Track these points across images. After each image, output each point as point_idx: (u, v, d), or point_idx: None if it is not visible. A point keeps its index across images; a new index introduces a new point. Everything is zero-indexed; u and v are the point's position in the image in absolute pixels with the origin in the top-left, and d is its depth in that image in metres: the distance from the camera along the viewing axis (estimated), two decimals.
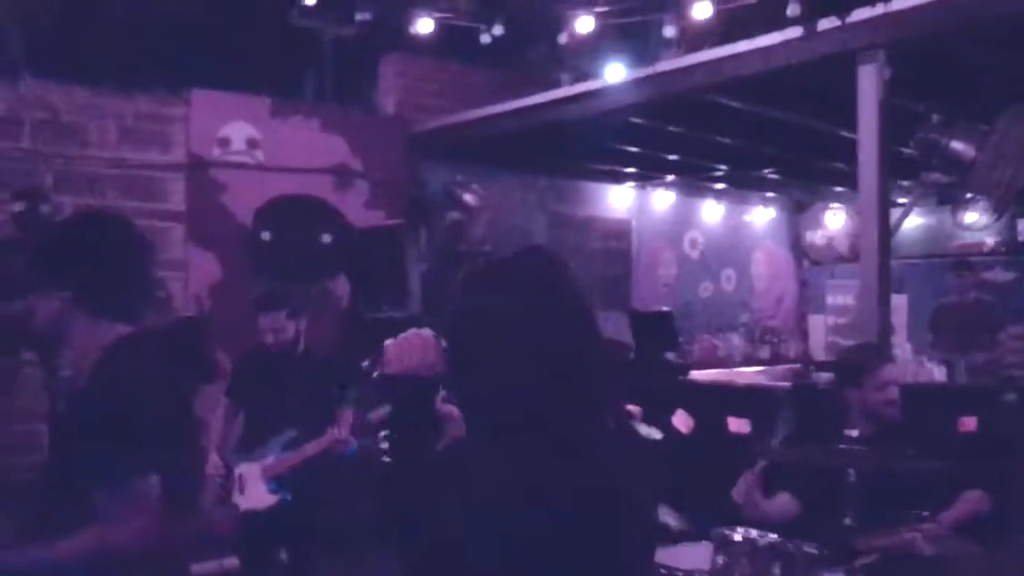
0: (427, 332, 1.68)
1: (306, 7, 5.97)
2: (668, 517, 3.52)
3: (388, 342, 1.66)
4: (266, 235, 6.46)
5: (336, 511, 4.06)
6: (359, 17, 6.03)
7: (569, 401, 1.56)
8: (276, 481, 3.94)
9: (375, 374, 1.65)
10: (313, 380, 4.05)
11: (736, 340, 9.50)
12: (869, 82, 4.45)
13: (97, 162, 5.94)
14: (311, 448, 3.94)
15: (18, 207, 5.56)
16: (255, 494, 3.93)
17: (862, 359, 3.57)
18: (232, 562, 4.13)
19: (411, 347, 1.66)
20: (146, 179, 6.11)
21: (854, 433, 2.90)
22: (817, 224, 10.25)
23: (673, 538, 3.48)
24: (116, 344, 2.08)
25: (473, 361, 1.60)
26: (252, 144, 6.51)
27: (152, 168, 6.13)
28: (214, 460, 4.05)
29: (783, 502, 3.44)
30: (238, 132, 6.45)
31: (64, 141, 5.83)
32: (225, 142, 6.42)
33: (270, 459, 3.98)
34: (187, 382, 2.27)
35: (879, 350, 3.72)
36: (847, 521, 2.80)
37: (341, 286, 6.69)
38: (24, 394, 5.19)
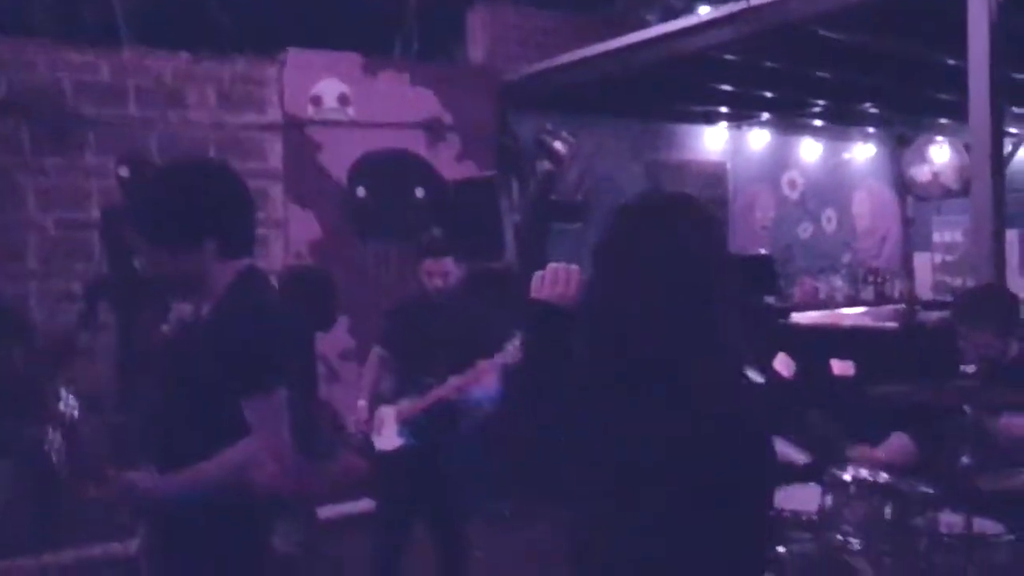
0: (574, 267, 1.73)
1: None
2: (792, 453, 3.47)
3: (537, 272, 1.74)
4: (361, 192, 6.55)
5: (454, 457, 4.13)
6: None
7: (698, 349, 1.58)
8: (405, 424, 4.08)
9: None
10: (461, 331, 4.11)
11: (838, 282, 9.26)
12: (979, 3, 4.22)
13: (197, 126, 6.09)
14: (437, 393, 4.05)
15: (124, 172, 5.76)
16: (387, 436, 4.10)
17: (982, 302, 3.42)
18: (366, 504, 4.29)
19: (555, 277, 1.72)
20: (244, 140, 6.25)
21: (970, 369, 2.80)
22: (922, 159, 9.83)
23: (800, 475, 3.43)
24: (245, 273, 2.23)
25: (610, 294, 1.63)
26: (344, 101, 6.57)
27: (250, 129, 6.26)
28: (360, 408, 4.20)
29: (899, 444, 3.36)
30: (330, 90, 6.52)
31: (165, 106, 5.99)
32: (318, 100, 6.50)
33: (404, 403, 4.12)
34: (308, 323, 2.35)
35: (999, 292, 3.54)
36: (964, 461, 2.71)
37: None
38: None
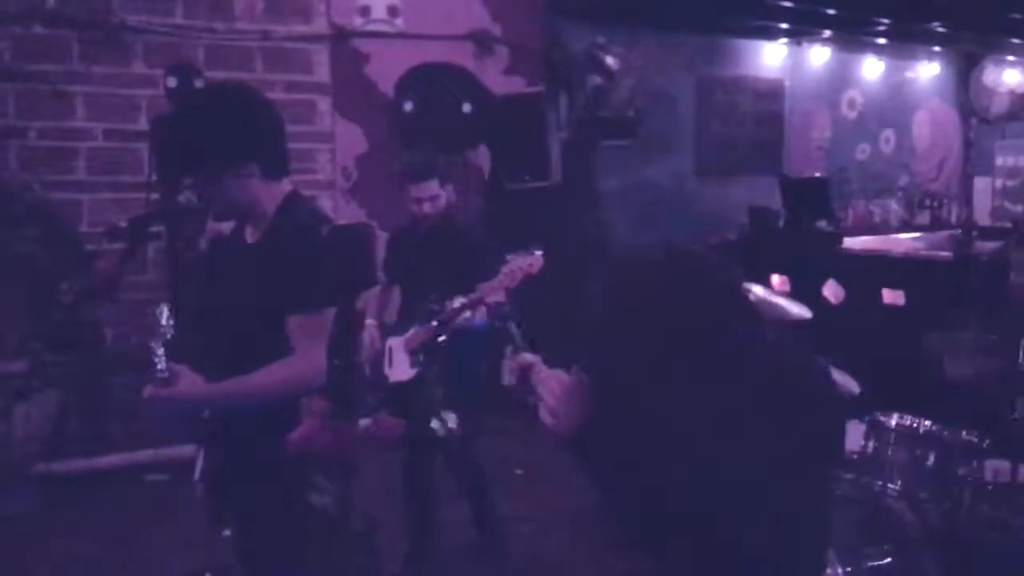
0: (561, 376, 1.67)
1: None
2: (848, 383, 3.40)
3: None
4: (408, 106, 6.45)
5: (462, 383, 4.09)
6: None
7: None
8: (417, 352, 3.99)
9: None
10: (459, 253, 3.99)
11: (893, 205, 9.04)
12: None
13: (244, 35, 6.01)
14: (442, 316, 3.93)
15: (171, 82, 5.73)
16: (400, 367, 4.02)
17: None
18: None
19: (542, 384, 1.68)
20: (291, 51, 6.16)
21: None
22: (990, 79, 9.47)
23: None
24: (291, 196, 2.32)
25: (607, 346, 1.62)
26: (392, 12, 6.44)
27: (296, 40, 6.17)
28: (371, 329, 4.11)
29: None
30: (378, 0, 6.38)
31: (212, 15, 5.92)
32: (366, 11, 6.38)
33: (411, 332, 4.02)
34: (351, 281, 2.40)
35: None
36: (1017, 413, 2.66)
37: (481, 157, 6.66)
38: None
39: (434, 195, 3.98)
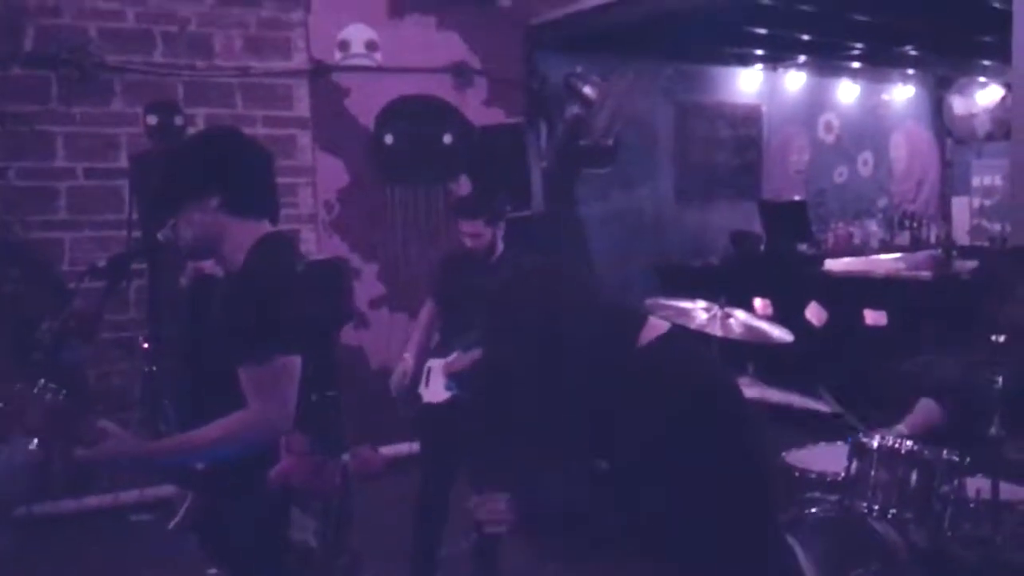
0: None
1: None
2: (815, 403, 3.43)
3: None
4: (388, 138, 6.49)
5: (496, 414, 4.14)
6: None
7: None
8: (454, 378, 4.08)
9: None
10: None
11: (873, 226, 9.12)
12: None
13: (224, 72, 6.05)
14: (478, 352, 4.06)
15: (151, 120, 5.76)
16: (435, 388, 4.12)
17: (1005, 271, 3.33)
18: (415, 447, 4.34)
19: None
20: (271, 87, 6.20)
21: (1000, 339, 2.74)
22: (963, 100, 9.60)
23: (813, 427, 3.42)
24: (265, 238, 2.30)
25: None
26: (371, 46, 6.49)
27: (276, 75, 6.21)
28: (405, 363, 4.22)
29: (926, 409, 3.32)
30: (357, 35, 6.43)
31: (192, 52, 5.95)
32: (345, 45, 6.43)
33: (452, 356, 4.12)
34: (328, 317, 2.41)
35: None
36: (993, 431, 2.68)
37: (463, 186, 6.70)
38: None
39: (478, 232, 4.15)
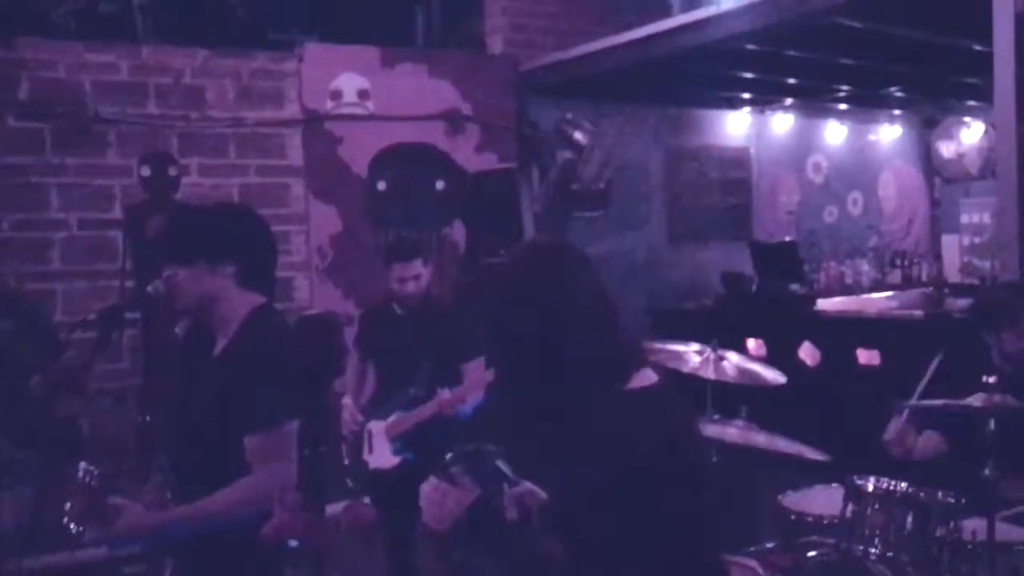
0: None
1: None
2: (804, 449, 3.43)
3: None
4: (381, 185, 6.53)
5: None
6: None
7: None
8: (399, 440, 3.88)
9: None
10: (441, 334, 3.90)
11: (864, 266, 9.15)
12: None
13: (217, 122, 6.10)
14: (424, 411, 3.83)
15: (145, 171, 5.79)
16: (381, 453, 3.90)
17: (1003, 302, 3.35)
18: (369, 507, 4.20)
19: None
20: (265, 136, 6.25)
21: (991, 380, 2.75)
22: (950, 140, 9.70)
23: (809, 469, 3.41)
24: (260, 310, 2.37)
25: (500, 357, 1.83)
26: (363, 95, 6.55)
27: (269, 125, 6.26)
28: (349, 408, 4.03)
29: (931, 441, 3.34)
30: (349, 84, 6.50)
31: (185, 103, 6.00)
32: (337, 95, 6.49)
33: (393, 418, 3.92)
34: (320, 373, 2.45)
35: (1019, 290, 3.48)
36: (987, 472, 2.68)
37: (456, 232, 6.73)
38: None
39: (418, 274, 3.96)
